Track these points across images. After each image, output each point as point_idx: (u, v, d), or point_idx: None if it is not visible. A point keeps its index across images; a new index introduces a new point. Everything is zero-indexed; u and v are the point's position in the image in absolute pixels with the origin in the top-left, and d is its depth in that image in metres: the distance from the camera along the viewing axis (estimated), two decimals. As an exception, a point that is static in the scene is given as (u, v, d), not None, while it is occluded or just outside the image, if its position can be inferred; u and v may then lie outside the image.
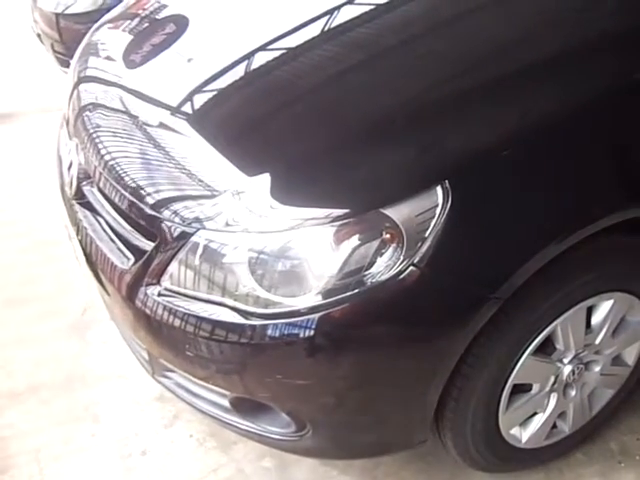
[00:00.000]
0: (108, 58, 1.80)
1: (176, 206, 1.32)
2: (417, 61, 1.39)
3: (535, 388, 1.46)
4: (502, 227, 1.21)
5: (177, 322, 1.30)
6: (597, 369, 1.52)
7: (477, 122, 1.24)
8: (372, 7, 1.58)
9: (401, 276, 1.18)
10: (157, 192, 1.35)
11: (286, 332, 1.23)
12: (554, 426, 1.56)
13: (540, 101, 1.25)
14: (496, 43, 1.37)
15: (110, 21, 1.97)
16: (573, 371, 1.46)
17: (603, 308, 1.43)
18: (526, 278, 1.23)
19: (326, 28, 1.54)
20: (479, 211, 1.20)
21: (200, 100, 1.50)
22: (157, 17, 1.87)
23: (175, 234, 1.30)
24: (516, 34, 1.37)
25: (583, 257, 1.32)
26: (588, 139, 1.26)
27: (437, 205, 1.18)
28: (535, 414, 1.51)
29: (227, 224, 1.26)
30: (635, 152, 1.29)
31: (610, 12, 1.37)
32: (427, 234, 1.18)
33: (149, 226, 1.36)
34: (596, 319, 1.44)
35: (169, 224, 1.30)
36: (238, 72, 1.53)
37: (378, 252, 1.19)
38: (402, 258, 1.18)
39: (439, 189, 1.18)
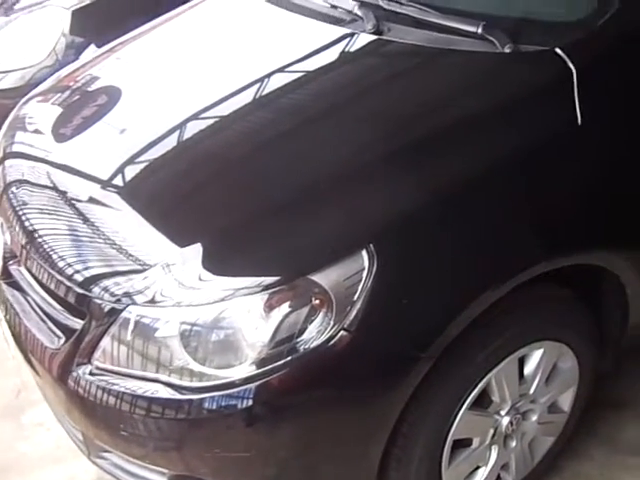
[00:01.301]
0: (36, 132, 1.78)
1: (105, 282, 1.30)
2: (339, 128, 1.43)
3: (475, 442, 1.47)
4: (427, 287, 1.24)
5: (111, 401, 1.27)
6: (534, 418, 1.54)
7: (396, 186, 1.28)
8: (295, 77, 1.63)
9: (332, 341, 1.19)
10: (86, 269, 1.34)
11: (223, 404, 1.21)
12: (498, 478, 1.57)
13: (454, 163, 1.30)
14: (413, 109, 1.42)
15: (39, 94, 1.95)
16: (511, 422, 1.48)
17: (534, 358, 1.47)
18: (455, 335, 1.26)
19: (253, 97, 1.58)
20: (404, 272, 1.23)
21: (131, 172, 1.50)
22: (88, 89, 1.87)
23: (105, 311, 1.28)
24: (431, 101, 1.42)
25: (509, 310, 1.36)
26: (502, 197, 1.30)
27: (364, 269, 1.20)
28: (478, 468, 1.52)
29: (157, 299, 1.25)
30: (547, 207, 1.35)
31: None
32: (356, 298, 1.19)
33: (78, 304, 1.33)
34: (528, 369, 1.47)
35: (98, 301, 1.29)
36: (168, 144, 1.54)
37: (308, 319, 1.20)
38: (332, 323, 1.19)
39: (364, 253, 1.20)
